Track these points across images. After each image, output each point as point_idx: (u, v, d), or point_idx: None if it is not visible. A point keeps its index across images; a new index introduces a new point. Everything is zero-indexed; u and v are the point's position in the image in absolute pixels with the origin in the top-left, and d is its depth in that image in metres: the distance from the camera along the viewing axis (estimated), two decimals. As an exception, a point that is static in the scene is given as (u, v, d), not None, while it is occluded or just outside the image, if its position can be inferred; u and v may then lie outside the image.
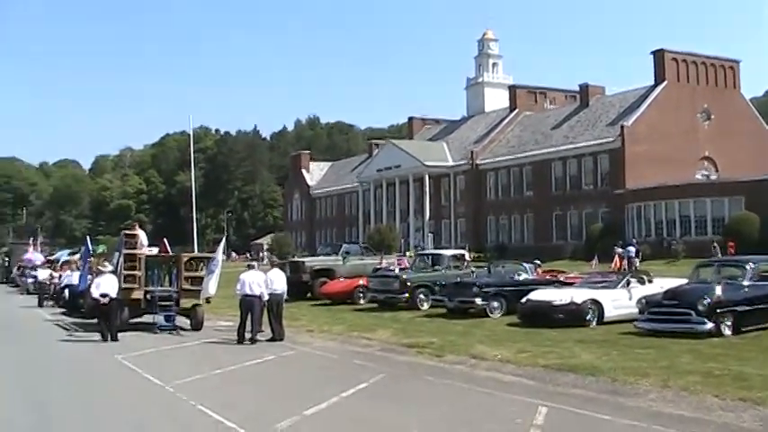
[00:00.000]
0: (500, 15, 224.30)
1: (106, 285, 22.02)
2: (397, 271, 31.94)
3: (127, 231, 25.39)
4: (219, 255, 24.73)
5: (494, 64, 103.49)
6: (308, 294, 34.88)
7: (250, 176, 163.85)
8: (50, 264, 49.13)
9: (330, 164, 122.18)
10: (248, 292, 21.17)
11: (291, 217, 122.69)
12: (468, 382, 14.54)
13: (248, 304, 21.12)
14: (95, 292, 21.98)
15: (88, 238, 34.65)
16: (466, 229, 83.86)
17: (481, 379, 14.84)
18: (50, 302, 38.04)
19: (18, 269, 59.77)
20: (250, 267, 22.31)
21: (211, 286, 24.05)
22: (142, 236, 25.68)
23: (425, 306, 28.64)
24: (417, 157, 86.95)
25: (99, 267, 23.41)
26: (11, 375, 16.30)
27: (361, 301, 32.17)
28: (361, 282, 32.78)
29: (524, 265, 28.12)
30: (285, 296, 22.49)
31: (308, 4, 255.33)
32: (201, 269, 24.98)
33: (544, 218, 74.53)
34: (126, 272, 23.84)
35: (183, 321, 24.87)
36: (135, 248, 24.65)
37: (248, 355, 18.29)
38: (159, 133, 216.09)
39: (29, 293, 47.52)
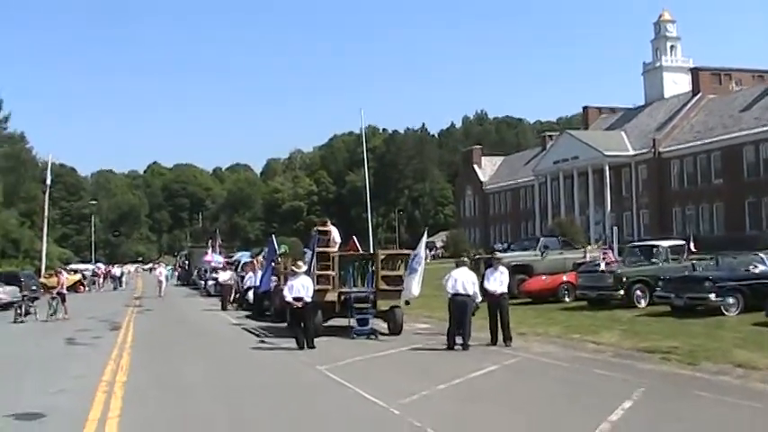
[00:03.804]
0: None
1: (300, 288, 19.99)
2: (603, 266, 28.97)
3: (320, 228, 23.41)
4: (422, 250, 22.30)
5: (672, 46, 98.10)
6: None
7: (420, 174, 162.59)
8: (230, 266, 48.43)
9: (502, 158, 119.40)
10: (461, 291, 18.81)
11: (464, 213, 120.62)
12: (755, 398, 11.78)
13: (460, 305, 18.75)
14: (288, 296, 19.94)
15: (273, 237, 33.01)
16: (650, 220, 79.96)
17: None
18: (234, 305, 36.88)
19: (198, 271, 59.80)
20: (460, 264, 19.93)
21: (414, 286, 21.76)
22: (335, 232, 23.65)
23: (643, 303, 25.75)
24: (597, 148, 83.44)
25: (292, 268, 21.29)
26: (211, 389, 14.32)
27: (567, 299, 29.56)
28: (565, 278, 30.11)
29: (761, 255, 24.66)
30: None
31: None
32: (399, 267, 22.71)
33: (735, 207, 69.80)
34: (318, 272, 21.84)
35: (378, 325, 22.66)
36: (328, 246, 22.72)
37: (468, 365, 15.80)
38: (327, 134, 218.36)
39: (209, 295, 47.26)
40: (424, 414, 11.00)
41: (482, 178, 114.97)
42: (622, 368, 15.20)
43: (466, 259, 21.24)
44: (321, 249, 22.41)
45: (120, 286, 69.45)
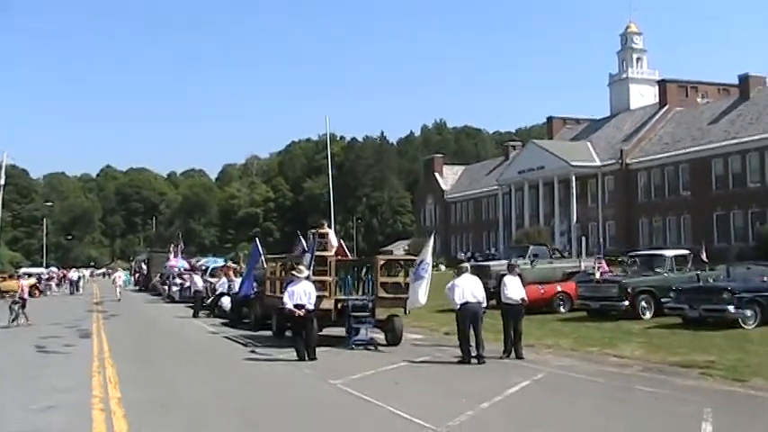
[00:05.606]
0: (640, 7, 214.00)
1: (302, 294, 18.39)
2: (597, 275, 27.96)
3: (319, 230, 21.95)
4: (429, 256, 20.64)
5: (638, 58, 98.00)
6: (495, 302, 30.96)
7: (378, 183, 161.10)
8: (196, 271, 46.89)
9: (463, 167, 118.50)
10: (470, 299, 17.41)
11: (424, 222, 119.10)
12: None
13: (471, 314, 17.33)
14: (289, 303, 18.27)
15: (258, 240, 31.22)
16: (615, 232, 79.17)
17: None
18: (205, 312, 35.23)
19: (159, 277, 58.13)
20: (462, 271, 18.54)
21: (421, 295, 20.05)
22: (332, 235, 22.24)
23: (648, 315, 24.70)
24: (563, 158, 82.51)
25: (293, 273, 19.76)
26: (224, 409, 12.37)
27: (562, 309, 28.49)
28: (560, 288, 28.97)
29: (779, 264, 23.68)
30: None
31: (432, 6, 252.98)
32: (399, 274, 21.37)
33: (703, 219, 68.98)
34: (315, 277, 20.29)
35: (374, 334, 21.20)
36: (325, 250, 21.25)
37: (495, 380, 14.52)
38: (285, 141, 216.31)
39: (173, 301, 45.78)
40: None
41: (443, 187, 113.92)
42: (664, 384, 14.03)
43: (466, 265, 19.91)
44: (318, 253, 20.93)
45: (78, 291, 67.23)
